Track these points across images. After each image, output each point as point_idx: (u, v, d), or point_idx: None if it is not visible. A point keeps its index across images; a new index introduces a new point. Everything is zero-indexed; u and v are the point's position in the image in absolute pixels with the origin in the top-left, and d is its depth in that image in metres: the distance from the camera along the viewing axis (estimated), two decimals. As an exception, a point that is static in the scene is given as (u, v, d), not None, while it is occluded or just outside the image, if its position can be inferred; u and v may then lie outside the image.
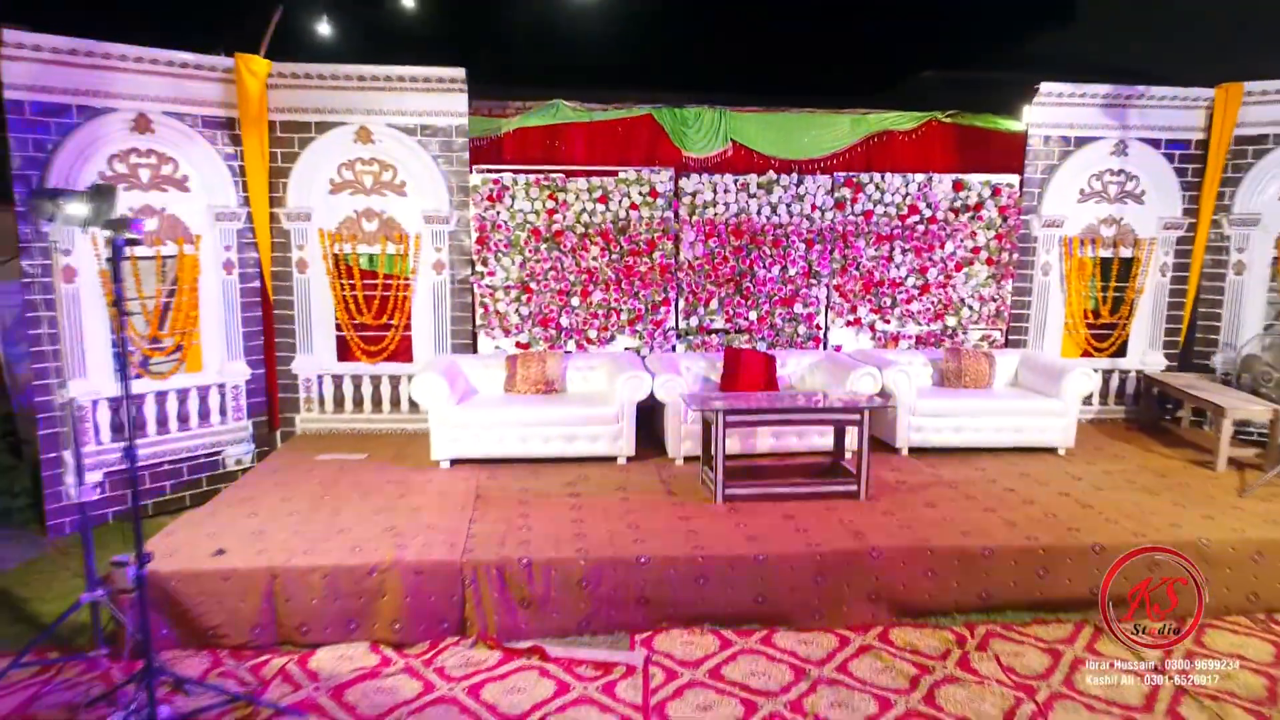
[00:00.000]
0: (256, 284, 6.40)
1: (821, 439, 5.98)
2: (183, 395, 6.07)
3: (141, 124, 5.67)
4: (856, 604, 4.39)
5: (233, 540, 4.39)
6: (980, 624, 4.36)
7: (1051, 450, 6.26)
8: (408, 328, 6.69)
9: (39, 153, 5.29)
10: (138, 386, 5.83)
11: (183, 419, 6.09)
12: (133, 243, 3.35)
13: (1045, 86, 6.96)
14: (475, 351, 6.82)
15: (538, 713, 3.59)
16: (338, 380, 6.68)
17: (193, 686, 3.68)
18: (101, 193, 3.64)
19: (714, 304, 7.10)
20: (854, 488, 5.23)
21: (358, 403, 6.72)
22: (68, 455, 5.52)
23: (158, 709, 3.36)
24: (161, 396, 5.96)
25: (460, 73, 6.33)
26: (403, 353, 6.70)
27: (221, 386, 6.27)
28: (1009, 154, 7.24)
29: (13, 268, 6.04)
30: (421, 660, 4.00)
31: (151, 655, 3.45)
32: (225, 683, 3.76)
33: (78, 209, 3.61)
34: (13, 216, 5.55)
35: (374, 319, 6.63)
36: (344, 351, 6.67)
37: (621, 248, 6.90)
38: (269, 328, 6.52)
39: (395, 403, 6.75)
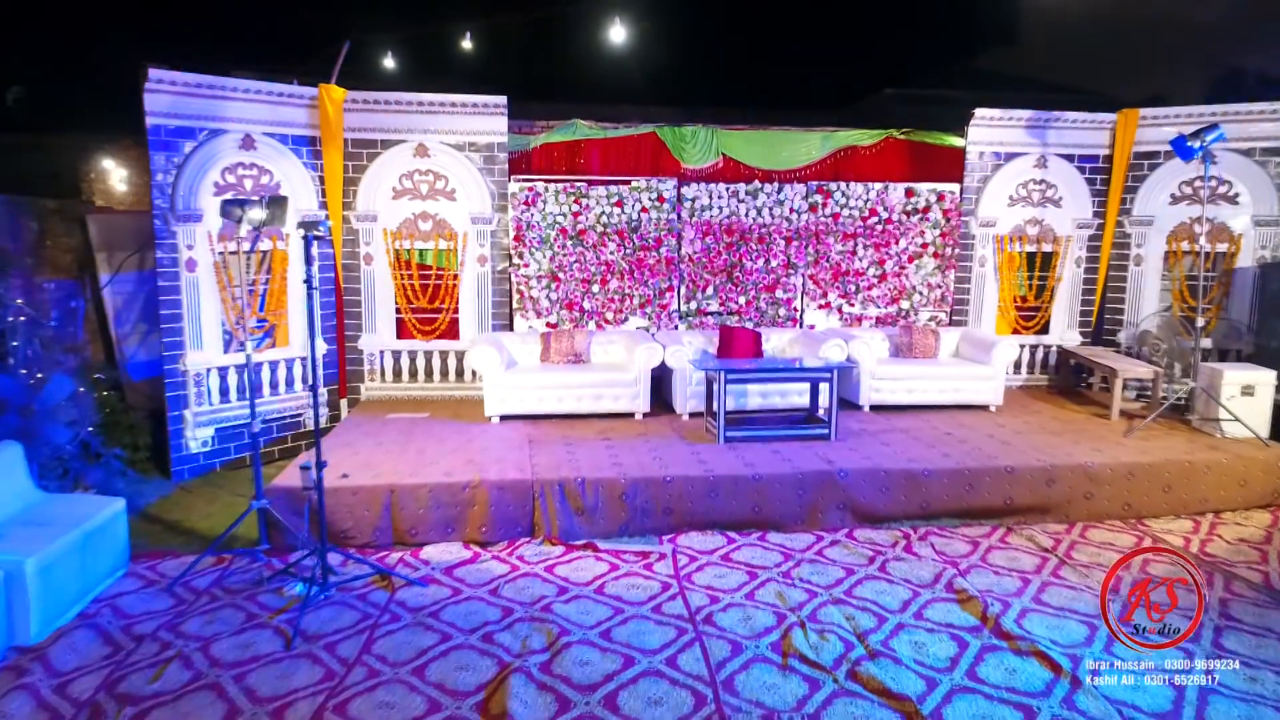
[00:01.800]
0: (331, 274, 7.60)
1: (799, 398, 7.30)
2: (274, 366, 7.29)
3: (247, 142, 6.85)
4: (829, 512, 5.73)
5: (350, 468, 5.64)
6: (921, 526, 5.75)
7: (984, 407, 7.61)
8: (455, 311, 7.88)
9: (171, 167, 6.46)
10: (240, 359, 7.03)
11: (274, 386, 7.31)
12: (319, 238, 4.58)
13: (980, 111, 8.26)
14: (512, 330, 8.02)
15: (599, 581, 4.90)
16: (396, 355, 7.88)
17: (341, 569, 4.97)
18: (276, 201, 4.89)
19: (710, 290, 8.33)
20: (826, 432, 6.58)
21: (413, 373, 7.91)
22: (187, 415, 6.75)
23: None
24: (258, 367, 7.17)
25: (502, 99, 7.54)
26: (451, 332, 7.89)
27: (304, 359, 7.47)
28: (952, 166, 8.48)
29: (129, 261, 7.26)
30: (504, 553, 5.29)
31: (325, 533, 4.74)
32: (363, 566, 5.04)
33: (257, 214, 4.85)
34: (137, 217, 6.72)
35: (427, 304, 7.83)
36: (402, 331, 7.85)
37: (634, 244, 8.12)
38: (340, 311, 7.66)
39: (444, 373, 7.94)
